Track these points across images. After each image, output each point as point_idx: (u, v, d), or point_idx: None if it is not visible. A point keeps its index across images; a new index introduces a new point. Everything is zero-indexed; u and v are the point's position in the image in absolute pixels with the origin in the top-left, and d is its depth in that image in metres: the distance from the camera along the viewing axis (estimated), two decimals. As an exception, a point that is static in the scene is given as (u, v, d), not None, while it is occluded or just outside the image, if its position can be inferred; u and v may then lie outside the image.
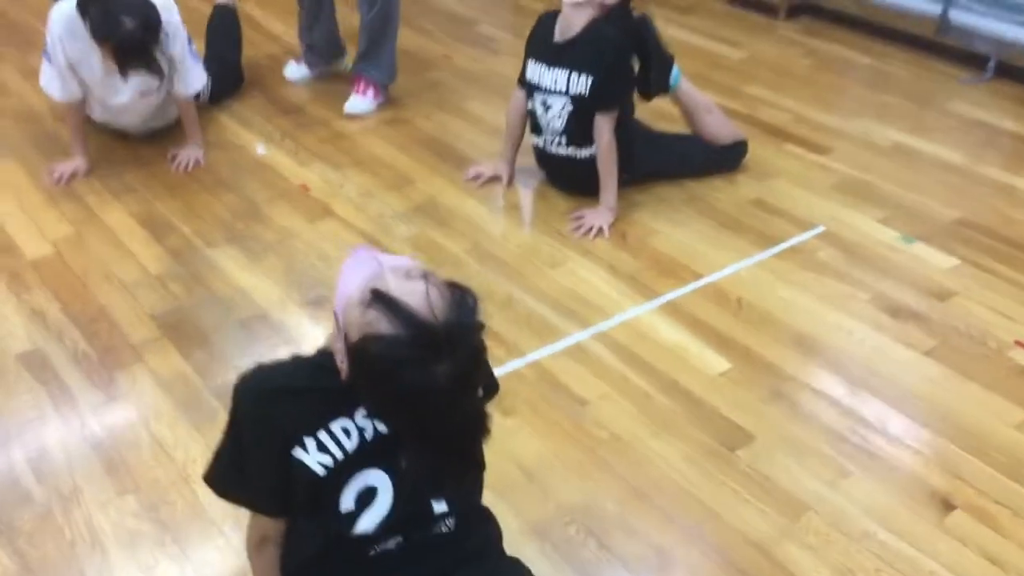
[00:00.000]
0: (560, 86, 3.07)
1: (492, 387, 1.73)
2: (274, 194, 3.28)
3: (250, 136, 3.65)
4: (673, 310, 2.76)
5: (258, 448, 1.50)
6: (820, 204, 3.28)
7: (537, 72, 3.13)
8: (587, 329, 2.67)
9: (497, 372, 2.42)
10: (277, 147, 3.58)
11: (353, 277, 1.44)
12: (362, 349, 1.36)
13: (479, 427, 1.49)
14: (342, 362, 1.43)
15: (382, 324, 1.34)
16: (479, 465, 1.63)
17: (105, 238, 3.03)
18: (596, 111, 3.04)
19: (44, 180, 3.30)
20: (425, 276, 1.40)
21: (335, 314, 1.45)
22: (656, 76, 3.21)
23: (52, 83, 3.21)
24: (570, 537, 2.05)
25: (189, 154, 3.41)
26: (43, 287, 2.80)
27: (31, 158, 3.46)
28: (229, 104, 3.85)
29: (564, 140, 3.17)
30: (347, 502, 1.50)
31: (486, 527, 1.69)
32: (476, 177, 3.39)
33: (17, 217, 3.14)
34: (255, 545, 1.64)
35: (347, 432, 1.49)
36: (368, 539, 1.51)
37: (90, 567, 1.96)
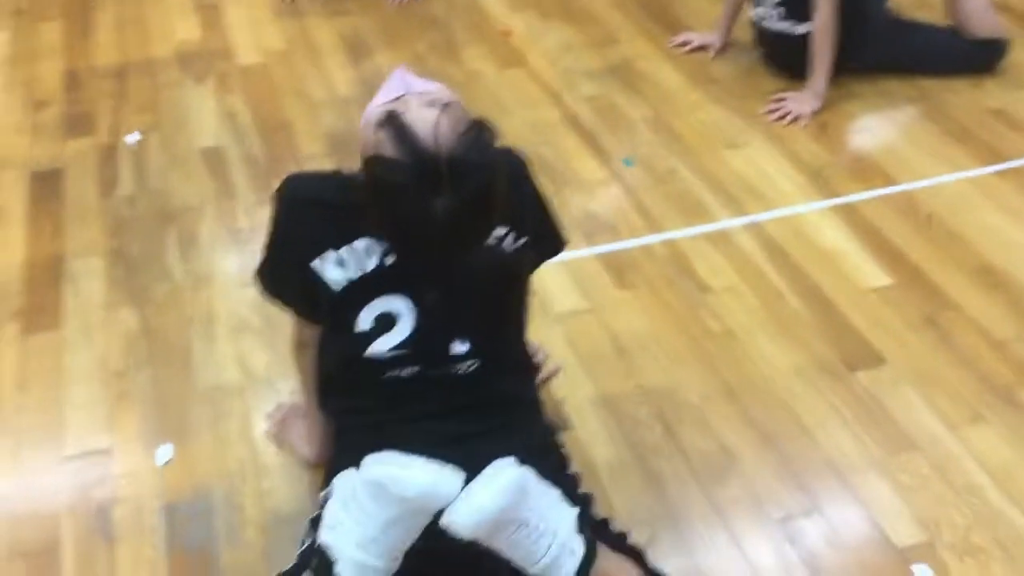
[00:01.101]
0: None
1: (549, 242, 1.66)
2: (475, 36, 3.27)
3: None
4: (848, 213, 2.50)
5: (286, 254, 1.53)
6: (1073, 127, 2.81)
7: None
8: (740, 217, 2.49)
9: (628, 244, 2.36)
10: (495, -12, 3.54)
11: (381, 95, 1.41)
12: (368, 168, 1.35)
13: (502, 276, 1.44)
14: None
15: (388, 147, 1.32)
16: (509, 317, 1.58)
17: (310, 56, 3.16)
18: (816, -20, 2.74)
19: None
20: (446, 106, 1.35)
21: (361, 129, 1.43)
22: None
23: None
24: (638, 418, 1.97)
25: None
26: (243, 92, 2.99)
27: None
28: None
29: (782, 12, 2.90)
30: (364, 322, 1.49)
31: (515, 383, 1.62)
32: (683, 44, 3.20)
33: (243, 27, 3.34)
34: (295, 348, 1.70)
35: (369, 252, 1.47)
36: (382, 363, 1.50)
37: (198, 343, 2.13)
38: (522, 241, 1.53)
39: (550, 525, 1.31)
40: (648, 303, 2.23)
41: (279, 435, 1.90)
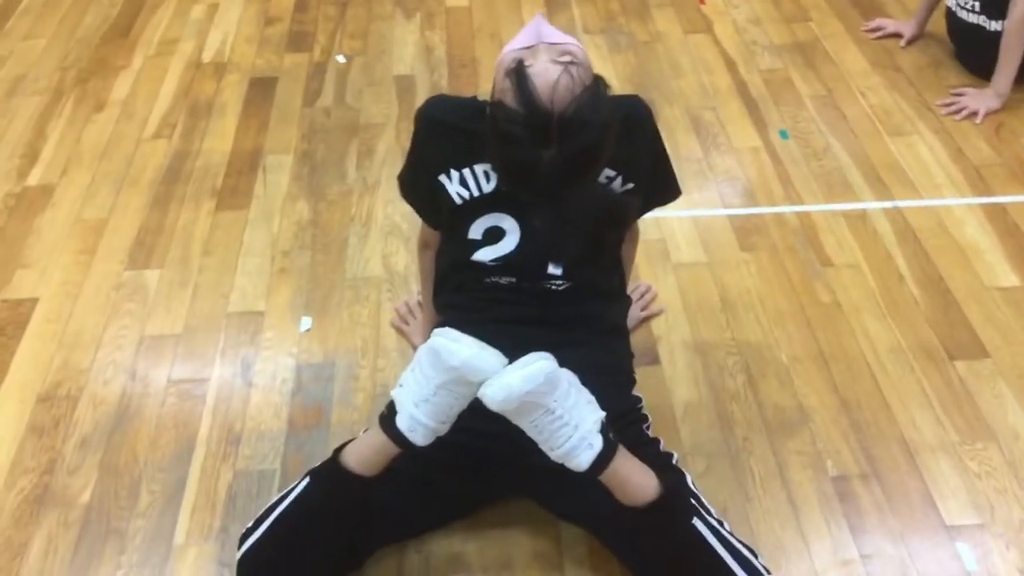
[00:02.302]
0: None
1: (660, 191, 1.79)
2: (670, 0, 3.38)
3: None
4: (996, 213, 2.47)
5: (418, 166, 1.75)
6: None
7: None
8: (884, 201, 2.51)
9: (763, 210, 2.46)
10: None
11: (517, 40, 1.56)
12: (491, 112, 1.51)
13: (602, 215, 1.57)
14: None
15: (509, 96, 1.47)
16: (604, 250, 1.73)
17: (511, 3, 3.39)
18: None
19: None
20: (571, 63, 1.48)
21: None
22: None
23: None
24: (724, 365, 2.09)
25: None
26: (444, 30, 3.26)
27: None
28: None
29: (977, 5, 2.85)
30: (475, 232, 1.69)
31: (599, 308, 1.76)
32: (876, 29, 3.19)
33: (458, -29, 3.60)
34: (420, 247, 1.95)
35: (488, 176, 1.66)
36: (485, 268, 1.69)
37: (354, 238, 2.42)
38: (629, 186, 1.67)
39: (573, 418, 1.45)
40: (765, 266, 2.32)
41: (400, 326, 2.16)
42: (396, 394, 1.52)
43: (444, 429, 1.50)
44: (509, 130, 1.47)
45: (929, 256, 2.35)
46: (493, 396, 1.42)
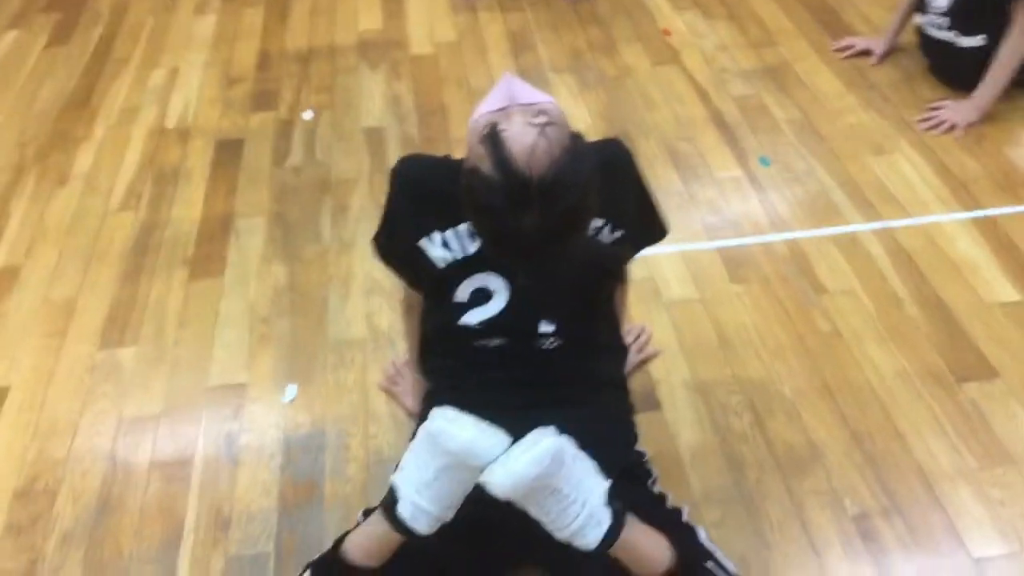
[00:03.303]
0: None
1: (648, 231, 1.73)
2: (635, 34, 3.35)
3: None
4: (987, 227, 2.43)
5: (397, 229, 1.67)
6: None
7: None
8: (872, 222, 2.47)
9: (748, 240, 2.40)
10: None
11: (488, 103, 1.46)
12: (466, 180, 1.42)
13: (594, 268, 1.50)
14: None
15: (485, 162, 1.38)
16: (598, 304, 1.66)
17: (476, 48, 3.35)
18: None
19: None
20: (546, 124, 1.38)
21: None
22: None
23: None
24: (729, 405, 2.02)
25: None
26: (411, 79, 3.21)
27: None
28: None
29: (947, 22, 2.83)
30: (461, 295, 1.61)
31: (595, 364, 1.68)
32: (845, 48, 3.17)
33: (421, 19, 3.56)
34: (404, 309, 1.87)
35: (472, 235, 1.57)
36: (472, 331, 1.61)
37: (334, 299, 2.34)
38: (618, 234, 1.60)
39: (581, 495, 1.38)
40: (759, 298, 2.26)
41: (389, 387, 2.08)
42: (396, 479, 1.44)
43: (449, 515, 1.42)
44: (486, 201, 1.38)
45: (924, 276, 2.30)
46: (499, 484, 1.34)
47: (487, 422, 1.41)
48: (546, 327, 1.60)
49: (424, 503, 1.40)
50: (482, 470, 1.38)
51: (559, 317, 1.60)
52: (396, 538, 1.44)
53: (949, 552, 1.72)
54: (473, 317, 1.61)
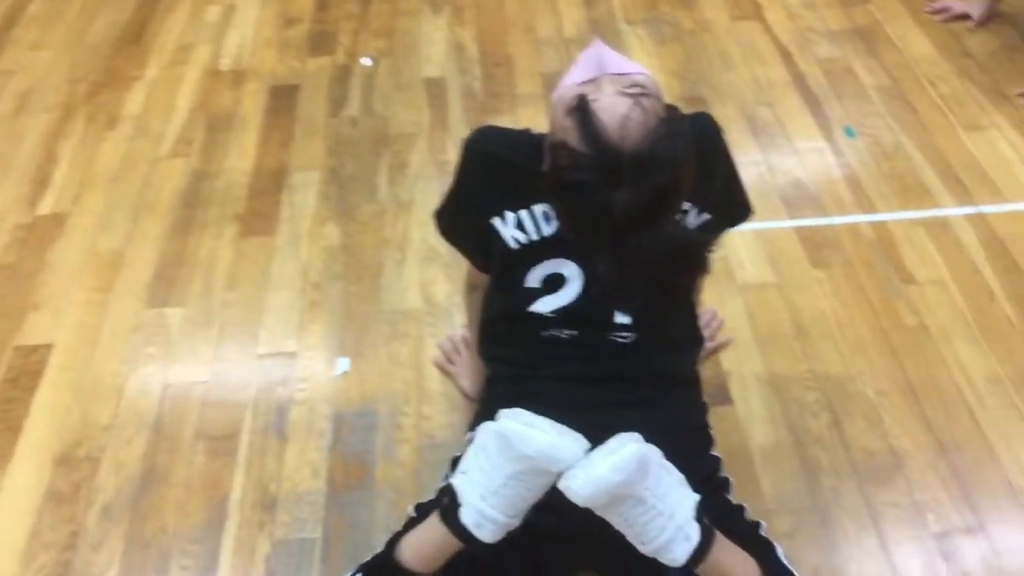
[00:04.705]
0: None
1: (732, 213, 1.61)
2: (715, -17, 3.16)
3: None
4: (1093, 215, 2.26)
5: (467, 206, 1.55)
6: None
7: None
8: (965, 206, 2.30)
9: (832, 220, 2.25)
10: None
11: (576, 73, 1.37)
12: (552, 154, 1.33)
13: (677, 257, 1.39)
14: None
15: (573, 135, 1.29)
16: (678, 294, 1.55)
17: (547, -7, 3.17)
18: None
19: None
20: (640, 94, 1.29)
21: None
22: None
23: None
24: (805, 402, 1.89)
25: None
26: (474, 25, 3.05)
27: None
28: None
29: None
30: (532, 280, 1.50)
31: (670, 360, 1.58)
32: (941, 11, 2.95)
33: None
34: (467, 288, 1.76)
35: (548, 217, 1.47)
36: (543, 320, 1.51)
37: (389, 265, 2.23)
38: (704, 218, 1.48)
39: (667, 507, 1.28)
40: (841, 285, 2.12)
41: (445, 365, 1.98)
42: (458, 483, 1.35)
43: (516, 523, 1.33)
44: (574, 174, 1.29)
45: (1021, 268, 2.14)
46: (579, 490, 1.24)
47: (563, 425, 1.31)
48: (621, 318, 1.49)
49: (490, 510, 1.31)
50: (558, 476, 1.28)
51: (636, 308, 1.48)
52: (455, 545, 1.35)
53: (1040, 581, 1.60)
54: (545, 305, 1.50)
